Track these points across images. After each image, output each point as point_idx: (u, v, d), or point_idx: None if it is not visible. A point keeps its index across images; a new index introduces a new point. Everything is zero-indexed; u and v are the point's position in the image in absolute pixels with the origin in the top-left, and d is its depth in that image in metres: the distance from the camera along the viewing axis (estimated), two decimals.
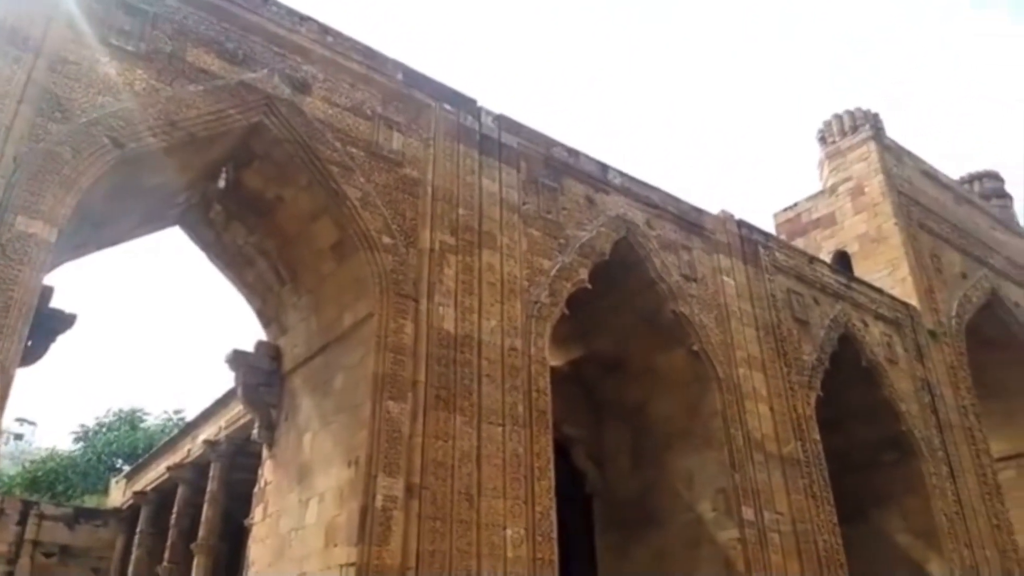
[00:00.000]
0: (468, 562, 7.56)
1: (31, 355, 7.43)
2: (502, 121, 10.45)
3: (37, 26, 7.01)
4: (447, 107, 9.90)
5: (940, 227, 17.79)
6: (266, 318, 10.11)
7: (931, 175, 18.90)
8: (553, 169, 10.71)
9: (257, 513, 9.49)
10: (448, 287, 8.80)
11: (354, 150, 8.79)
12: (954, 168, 21.87)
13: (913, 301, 15.53)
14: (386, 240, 8.58)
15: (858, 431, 13.58)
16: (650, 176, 12.04)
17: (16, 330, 6.12)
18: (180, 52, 7.89)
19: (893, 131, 18.44)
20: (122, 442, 29.74)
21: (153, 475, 19.46)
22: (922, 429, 13.71)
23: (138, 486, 20.24)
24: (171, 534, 16.96)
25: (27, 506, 20.49)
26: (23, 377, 7.99)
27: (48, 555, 20.02)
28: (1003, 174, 22.40)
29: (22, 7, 7.02)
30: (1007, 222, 20.84)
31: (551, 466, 8.70)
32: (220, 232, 9.47)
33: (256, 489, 9.77)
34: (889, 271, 16.17)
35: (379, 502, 7.34)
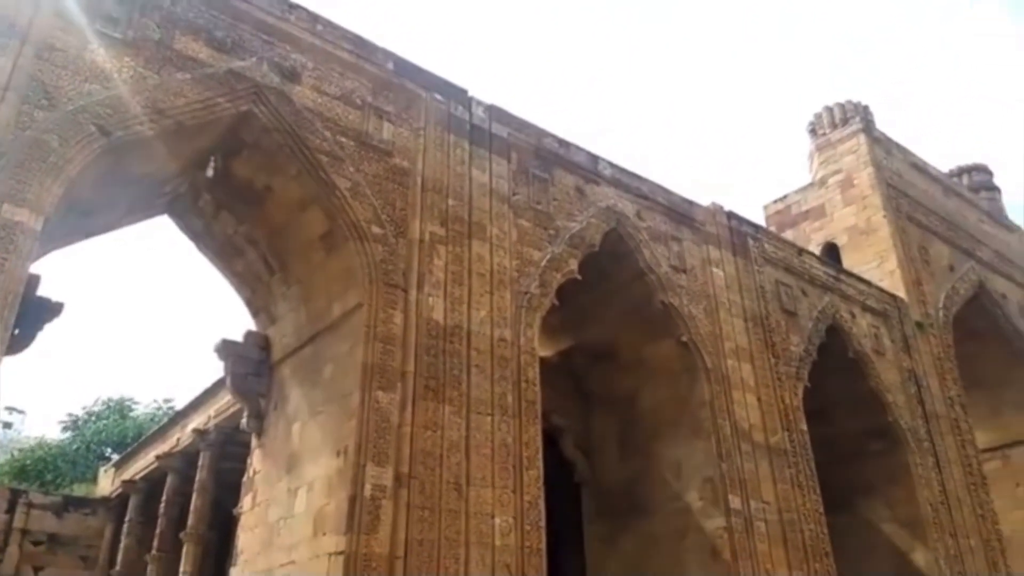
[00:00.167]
0: (456, 551, 7.61)
1: (18, 343, 7.42)
2: (493, 111, 10.43)
3: (23, 13, 6.94)
4: (438, 97, 9.87)
5: (929, 219, 17.89)
6: (255, 308, 10.10)
7: (920, 168, 18.99)
8: (544, 160, 10.71)
9: (246, 502, 9.51)
10: (438, 278, 8.81)
11: (344, 139, 8.77)
12: (950, 163, 21.86)
13: (901, 293, 15.64)
14: (376, 230, 8.58)
15: (845, 421, 13.70)
16: (641, 167, 12.09)
17: (2, 318, 6.10)
18: (168, 40, 7.83)
19: (891, 126, 18.62)
20: (111, 431, 29.68)
21: (142, 464, 19.43)
22: (908, 420, 13.84)
23: (127, 475, 20.21)
24: (160, 523, 16.96)
25: (15, 495, 20.43)
26: (11, 366, 7.97)
27: (36, 543, 19.99)
28: (995, 168, 22.57)
29: None
30: (995, 215, 20.98)
31: (539, 455, 8.75)
32: (209, 221, 9.44)
33: (245, 478, 9.79)
34: (877, 263, 16.27)
35: (368, 491, 7.37)
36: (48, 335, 7.82)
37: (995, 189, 22.12)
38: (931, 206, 18.27)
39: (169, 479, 17.41)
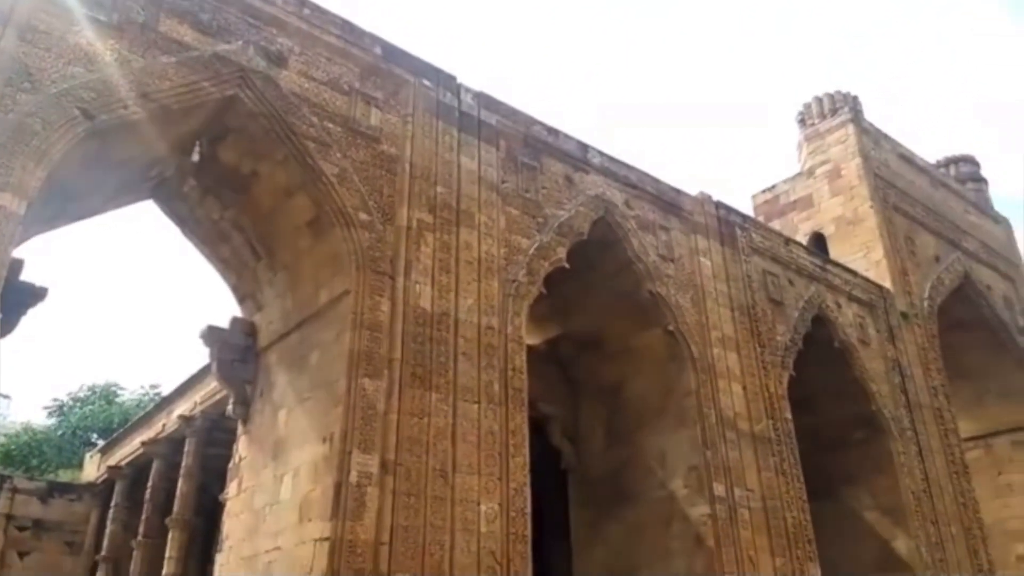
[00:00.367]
0: (442, 537, 7.64)
1: (1, 329, 7.37)
2: (482, 98, 10.38)
3: None
4: (426, 83, 9.82)
5: (915, 210, 17.98)
6: (241, 294, 10.06)
7: (908, 158, 19.07)
8: (532, 148, 10.69)
9: (232, 488, 9.51)
10: (425, 265, 8.79)
11: (331, 125, 8.71)
12: (941, 155, 21.97)
13: (887, 283, 15.74)
14: (363, 217, 8.54)
15: (829, 410, 13.81)
16: (631, 157, 12.07)
17: None
18: (153, 22, 7.73)
19: (885, 118, 18.64)
20: (97, 417, 29.57)
21: (128, 450, 19.37)
22: (892, 409, 13.96)
23: (113, 461, 20.14)
24: (146, 508, 16.94)
25: (0, 480, 20.35)
26: None
27: (21, 529, 19.93)
28: (983, 160, 22.67)
29: None
30: (981, 206, 21.10)
31: (526, 443, 8.78)
32: (194, 206, 9.37)
33: (231, 464, 9.78)
34: (864, 253, 16.36)
35: (354, 478, 7.38)
36: (32, 320, 7.76)
37: (982, 180, 22.24)
38: (918, 197, 18.36)
39: (155, 465, 17.38)
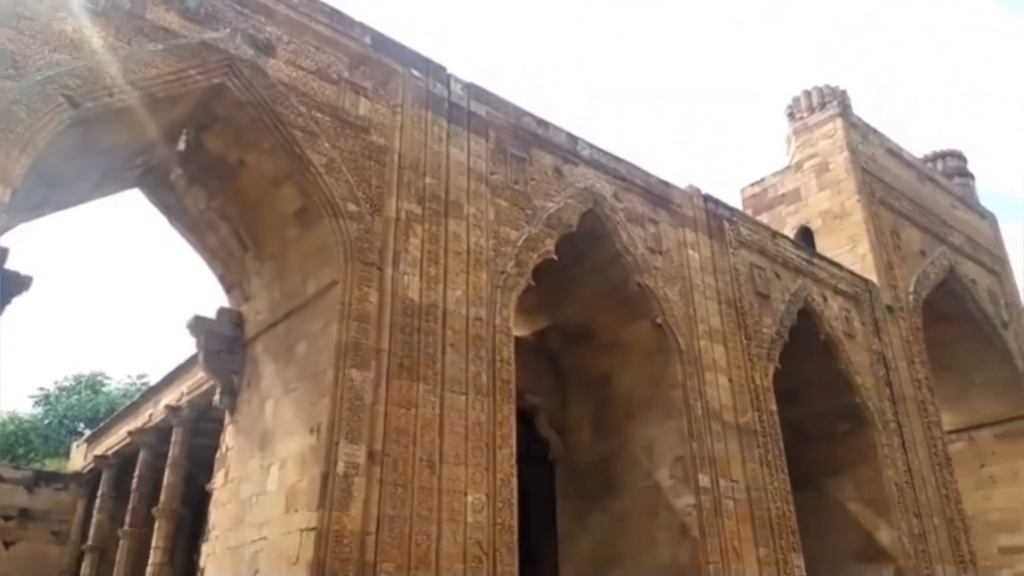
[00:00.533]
0: (428, 527, 7.66)
1: None
2: (471, 89, 10.36)
3: None
4: (415, 73, 9.78)
5: (901, 204, 18.09)
6: (228, 284, 10.02)
7: (895, 153, 19.16)
8: (522, 139, 10.68)
9: (218, 478, 9.50)
10: (413, 256, 8.78)
11: (319, 115, 8.67)
12: (932, 149, 22.09)
13: (872, 277, 15.84)
14: (351, 208, 8.52)
15: (814, 402, 13.92)
16: (621, 149, 12.07)
17: None
18: (139, 9, 7.67)
19: (878, 112, 18.72)
20: (84, 406, 29.46)
21: (115, 439, 19.31)
22: (876, 401, 14.08)
23: (99, 450, 20.08)
24: (132, 498, 16.91)
25: None
26: None
27: (7, 518, 19.86)
28: (972, 154, 22.79)
29: None
30: (967, 200, 21.24)
31: (513, 434, 8.81)
32: (181, 195, 9.32)
33: (218, 455, 9.77)
34: (850, 247, 16.45)
35: (341, 468, 7.38)
36: (17, 309, 7.72)
37: (968, 175, 22.39)
38: (905, 191, 18.47)
39: (142, 455, 17.34)
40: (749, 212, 17.37)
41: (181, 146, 8.39)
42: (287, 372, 8.75)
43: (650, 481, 11.01)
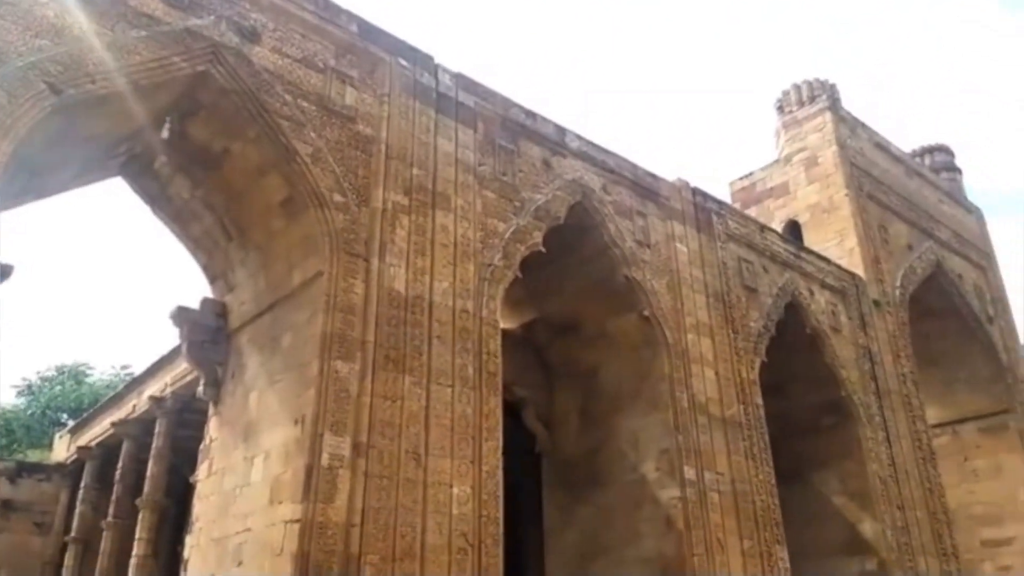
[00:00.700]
0: (413, 519, 7.64)
1: None
2: (460, 80, 10.28)
3: None
4: (403, 63, 9.70)
5: (889, 199, 18.15)
6: (212, 274, 9.92)
7: (884, 147, 19.22)
8: (510, 131, 10.62)
9: (202, 470, 9.43)
10: (400, 247, 8.72)
11: (305, 104, 8.58)
12: (924, 143, 22.18)
13: (859, 271, 15.90)
14: (337, 198, 8.44)
15: (800, 396, 13.98)
16: (610, 141, 12.03)
17: None
18: None
19: (873, 106, 18.71)
20: (67, 396, 29.25)
21: (98, 430, 19.15)
22: (861, 395, 14.15)
23: (82, 441, 19.92)
24: (116, 490, 16.78)
25: None
26: None
27: None
28: (960, 149, 22.89)
29: None
30: (955, 195, 21.36)
31: (499, 427, 8.79)
32: (165, 184, 9.21)
33: (202, 446, 9.70)
34: (838, 241, 16.50)
35: (325, 460, 7.34)
36: None
37: (956, 170, 22.51)
38: (893, 186, 18.53)
39: (125, 446, 17.20)
40: (738, 206, 17.37)
41: (165, 134, 8.29)
42: (272, 363, 8.69)
43: (636, 474, 11.03)
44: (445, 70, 10.17)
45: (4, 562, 19.10)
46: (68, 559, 18.06)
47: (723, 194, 17.34)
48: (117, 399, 18.78)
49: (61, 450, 22.04)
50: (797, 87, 18.85)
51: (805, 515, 13.15)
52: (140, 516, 15.07)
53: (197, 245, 9.79)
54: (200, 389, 9.85)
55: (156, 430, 15.71)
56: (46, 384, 30.39)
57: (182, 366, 14.46)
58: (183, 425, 15.39)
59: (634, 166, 12.20)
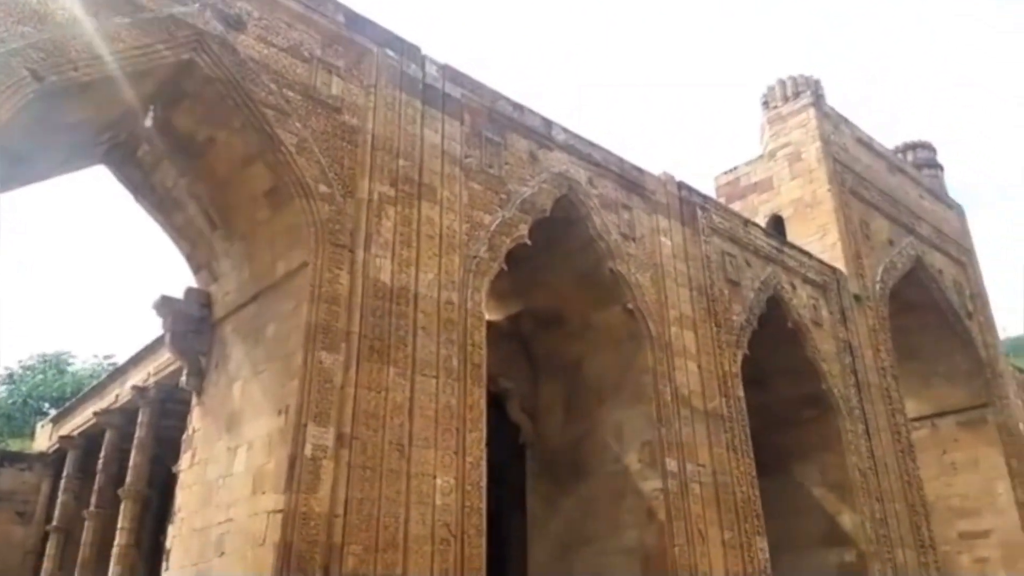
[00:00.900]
0: (396, 510, 7.67)
1: None
2: (447, 71, 10.27)
3: None
4: (390, 53, 9.67)
5: (871, 195, 18.30)
6: (196, 263, 9.88)
7: (866, 143, 19.37)
8: (497, 123, 10.63)
9: (185, 460, 9.42)
10: (386, 239, 8.72)
11: (290, 93, 8.55)
12: (909, 139, 22.36)
13: (841, 266, 16.04)
14: (323, 189, 8.43)
15: (781, 389, 14.10)
16: (597, 135, 12.05)
17: None
18: None
19: (864, 101, 18.84)
20: (49, 386, 29.04)
21: (80, 420, 19.05)
22: (841, 388, 14.30)
23: (65, 430, 19.80)
24: (98, 479, 16.70)
25: None
26: None
27: None
28: (943, 145, 23.08)
29: None
30: (936, 191, 21.55)
31: (483, 418, 8.83)
32: (148, 173, 9.15)
33: (184, 436, 9.67)
34: (820, 236, 16.63)
35: (308, 451, 7.35)
36: None
37: (938, 166, 22.71)
38: (875, 181, 18.68)
39: (108, 435, 17.12)
40: (723, 200, 17.48)
41: (148, 122, 8.23)
42: (256, 353, 8.68)
43: (619, 465, 11.11)
44: (432, 61, 10.16)
45: None
46: (50, 548, 17.97)
47: (709, 188, 17.45)
48: (100, 388, 18.68)
49: (43, 439, 21.89)
50: (782, 83, 18.94)
51: (785, 507, 13.29)
52: (122, 506, 15.03)
53: (181, 234, 9.74)
54: (183, 379, 9.82)
55: (139, 420, 15.65)
56: (28, 373, 30.16)
57: (165, 356, 14.40)
58: (166, 415, 15.34)
59: (620, 159, 12.25)
